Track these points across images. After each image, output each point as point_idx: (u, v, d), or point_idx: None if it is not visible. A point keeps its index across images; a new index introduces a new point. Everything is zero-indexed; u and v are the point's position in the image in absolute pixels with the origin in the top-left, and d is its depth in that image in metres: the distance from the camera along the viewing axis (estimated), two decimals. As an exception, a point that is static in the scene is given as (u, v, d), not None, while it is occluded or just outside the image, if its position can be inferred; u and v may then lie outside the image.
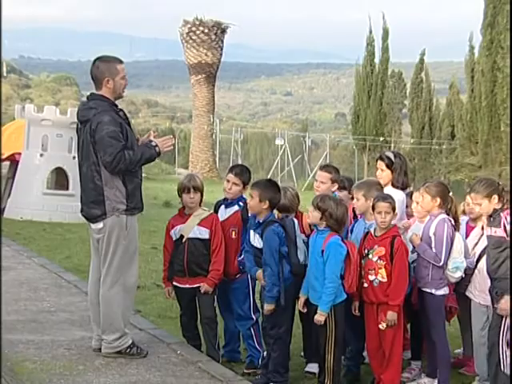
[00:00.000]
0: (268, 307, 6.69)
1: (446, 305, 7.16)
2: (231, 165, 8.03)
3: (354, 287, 6.65)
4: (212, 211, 7.49)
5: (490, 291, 6.61)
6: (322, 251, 6.52)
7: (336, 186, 7.67)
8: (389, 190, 7.48)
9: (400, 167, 7.69)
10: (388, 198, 6.83)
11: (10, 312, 8.51)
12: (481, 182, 6.73)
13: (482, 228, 6.99)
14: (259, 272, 6.80)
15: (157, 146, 6.91)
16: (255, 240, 6.83)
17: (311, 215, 6.69)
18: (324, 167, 8.04)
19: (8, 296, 9.24)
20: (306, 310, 6.78)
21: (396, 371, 6.84)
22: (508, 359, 6.34)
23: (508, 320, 6.34)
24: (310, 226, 7.06)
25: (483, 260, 6.83)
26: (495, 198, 6.54)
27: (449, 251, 6.86)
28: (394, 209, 6.77)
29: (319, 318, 6.51)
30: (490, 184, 6.66)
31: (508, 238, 6.39)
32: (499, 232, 6.48)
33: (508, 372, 6.29)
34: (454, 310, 7.49)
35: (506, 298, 6.28)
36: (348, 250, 6.57)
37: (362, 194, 7.15)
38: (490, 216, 6.57)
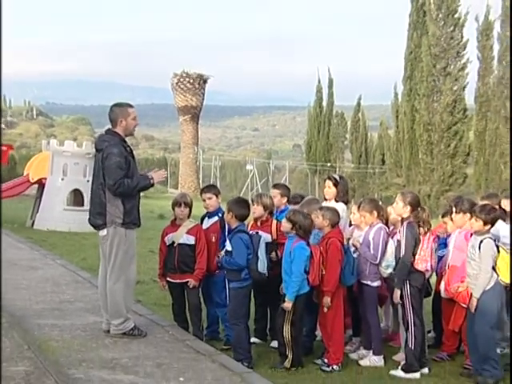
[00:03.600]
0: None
1: (379, 293, 7.19)
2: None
3: (317, 281, 6.62)
4: (197, 222, 7.48)
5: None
6: (290, 252, 6.54)
7: (286, 199, 7.68)
8: (333, 203, 7.52)
9: (343, 186, 7.73)
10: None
11: (39, 302, 8.46)
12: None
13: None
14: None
15: (152, 178, 6.92)
16: (228, 244, 6.78)
17: (284, 225, 6.72)
18: (274, 185, 8.21)
19: (37, 290, 9.24)
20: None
21: (339, 344, 6.83)
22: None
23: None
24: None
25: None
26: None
27: (383, 252, 6.91)
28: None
29: (287, 304, 6.49)
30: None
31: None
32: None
33: None
34: (385, 298, 7.53)
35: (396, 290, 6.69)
36: (311, 252, 6.58)
37: (307, 211, 7.12)
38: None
